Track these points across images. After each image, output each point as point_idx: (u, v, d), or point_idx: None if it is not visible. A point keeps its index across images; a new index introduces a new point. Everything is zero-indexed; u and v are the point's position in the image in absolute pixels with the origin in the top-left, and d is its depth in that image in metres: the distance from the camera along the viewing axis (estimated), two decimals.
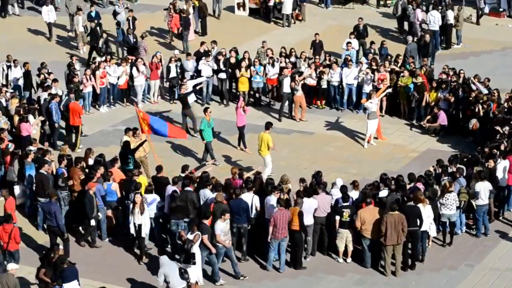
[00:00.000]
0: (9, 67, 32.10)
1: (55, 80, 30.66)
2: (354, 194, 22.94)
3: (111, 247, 23.23)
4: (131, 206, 22.15)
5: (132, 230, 22.12)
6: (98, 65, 31.78)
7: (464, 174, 23.75)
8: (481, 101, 28.74)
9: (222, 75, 32.45)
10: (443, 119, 29.82)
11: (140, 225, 21.98)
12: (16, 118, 28.05)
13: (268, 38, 37.09)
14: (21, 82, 31.94)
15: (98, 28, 36.44)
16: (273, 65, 32.10)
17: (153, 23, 40.40)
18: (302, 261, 22.18)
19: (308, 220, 21.98)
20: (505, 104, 28.58)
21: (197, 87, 31.21)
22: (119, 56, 35.48)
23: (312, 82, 31.85)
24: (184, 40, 37.91)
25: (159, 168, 23.92)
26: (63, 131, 29.54)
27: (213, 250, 21.00)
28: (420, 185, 22.95)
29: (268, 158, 26.44)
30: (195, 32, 39.57)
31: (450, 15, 38.22)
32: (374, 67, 31.66)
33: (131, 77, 32.13)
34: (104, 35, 35.88)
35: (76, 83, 30.65)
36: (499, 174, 24.19)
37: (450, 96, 29.93)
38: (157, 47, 37.57)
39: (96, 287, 20.41)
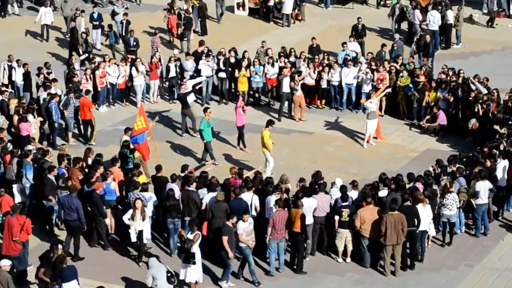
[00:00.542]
0: (11, 67, 32.00)
1: (54, 80, 30.65)
2: (353, 194, 22.94)
3: (111, 246, 23.18)
4: (130, 211, 21.95)
5: (134, 238, 21.93)
6: (98, 65, 31.77)
7: (464, 173, 23.77)
8: (480, 101, 28.75)
9: (222, 74, 32.44)
10: (442, 119, 29.81)
11: (141, 231, 21.88)
12: (16, 118, 28.05)
13: (267, 38, 37.05)
14: (21, 83, 31.91)
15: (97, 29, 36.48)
16: (272, 65, 32.07)
17: (153, 23, 40.36)
18: (303, 266, 22.05)
19: (308, 220, 21.95)
20: (507, 99, 28.56)
21: (197, 87, 31.20)
22: (110, 58, 35.18)
23: (311, 81, 31.85)
24: (186, 39, 37.87)
25: (158, 168, 23.93)
26: (63, 132, 29.52)
27: (231, 255, 20.92)
28: (420, 185, 22.96)
29: (269, 154, 26.48)
30: (195, 31, 39.55)
31: (450, 15, 38.23)
32: (374, 67, 31.67)
33: (130, 77, 32.13)
34: (84, 35, 35.72)
35: (75, 83, 30.63)
36: (499, 174, 24.19)
37: (449, 96, 29.93)
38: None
39: (96, 287, 20.41)
